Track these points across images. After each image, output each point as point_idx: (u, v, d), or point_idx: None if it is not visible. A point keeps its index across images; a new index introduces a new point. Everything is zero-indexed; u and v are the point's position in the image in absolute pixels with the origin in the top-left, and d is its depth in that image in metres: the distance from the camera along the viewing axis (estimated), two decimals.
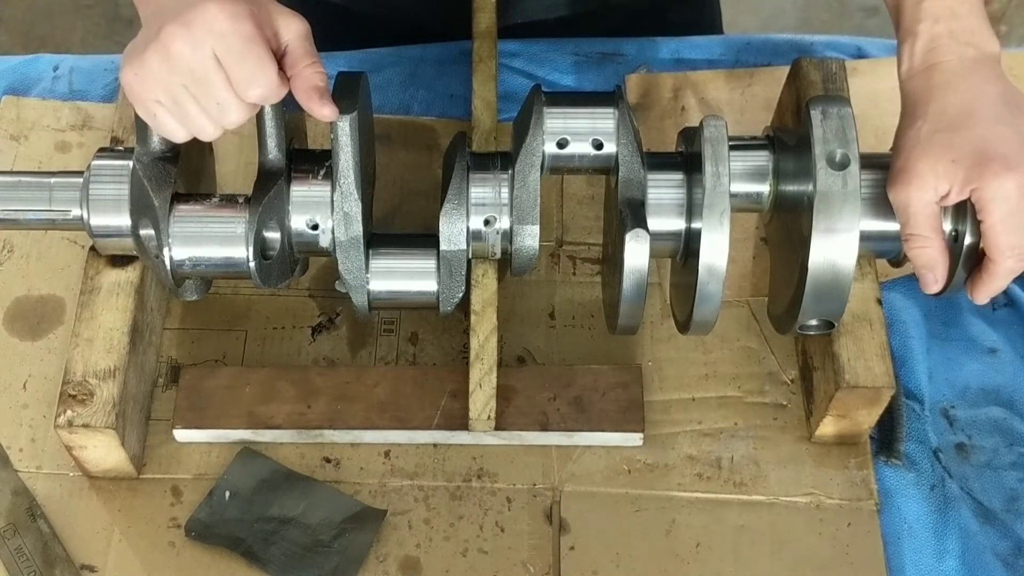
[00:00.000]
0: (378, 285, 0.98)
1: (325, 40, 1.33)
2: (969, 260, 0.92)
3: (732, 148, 0.93)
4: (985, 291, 0.91)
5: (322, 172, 0.96)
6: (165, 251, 0.94)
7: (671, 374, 1.08)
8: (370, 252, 0.98)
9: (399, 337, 1.10)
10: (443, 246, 0.97)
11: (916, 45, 0.90)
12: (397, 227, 1.15)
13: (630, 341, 1.09)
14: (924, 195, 0.88)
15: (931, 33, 0.90)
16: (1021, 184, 0.85)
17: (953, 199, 0.88)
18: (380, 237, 1.00)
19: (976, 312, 1.12)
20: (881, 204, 0.93)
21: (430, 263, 0.98)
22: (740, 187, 0.97)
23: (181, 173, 0.97)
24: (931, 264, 0.90)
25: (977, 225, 0.89)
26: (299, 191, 0.96)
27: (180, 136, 0.87)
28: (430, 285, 0.99)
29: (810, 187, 0.90)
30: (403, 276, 0.99)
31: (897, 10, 0.93)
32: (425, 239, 0.99)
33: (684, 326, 0.99)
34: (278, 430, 1.03)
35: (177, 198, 0.96)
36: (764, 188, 0.98)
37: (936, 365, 1.09)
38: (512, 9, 1.28)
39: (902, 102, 0.92)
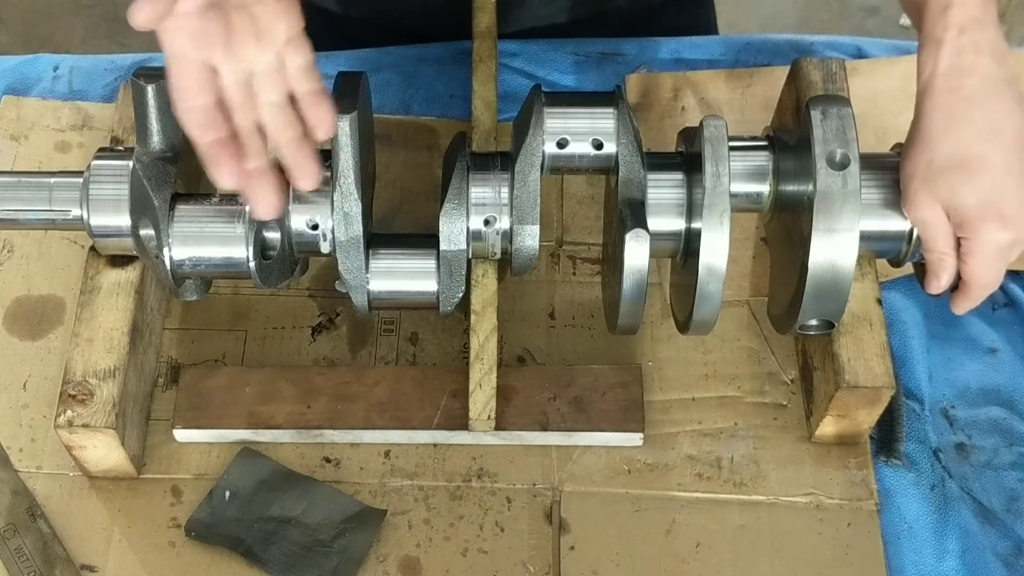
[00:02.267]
0: (378, 285, 0.98)
1: (323, 43, 1.33)
2: None
3: (732, 148, 0.93)
4: (964, 306, 0.95)
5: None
6: (165, 251, 0.94)
7: (671, 374, 1.08)
8: (370, 252, 0.98)
9: (399, 337, 1.10)
10: (443, 246, 0.97)
11: (941, 54, 0.89)
12: (397, 227, 1.15)
13: (630, 341, 1.09)
14: (940, 219, 0.90)
15: (957, 44, 0.88)
16: (1010, 241, 0.88)
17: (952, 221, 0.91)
18: (380, 237, 1.00)
19: (976, 312, 1.11)
20: (881, 204, 0.93)
21: (430, 263, 0.98)
22: (740, 187, 0.97)
23: (181, 173, 0.97)
24: (942, 272, 0.92)
25: None
26: (299, 191, 0.96)
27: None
28: (430, 285, 0.99)
29: (810, 187, 0.90)
30: (403, 276, 0.99)
31: (919, 13, 0.91)
32: (425, 239, 0.99)
33: (684, 326, 0.99)
34: (278, 430, 1.03)
35: (177, 198, 0.96)
36: (764, 188, 0.98)
37: (936, 365, 1.09)
38: (510, 17, 1.28)
39: (918, 114, 0.91)
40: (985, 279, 0.91)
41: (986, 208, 0.87)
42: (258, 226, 0.93)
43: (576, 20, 1.32)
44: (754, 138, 1.00)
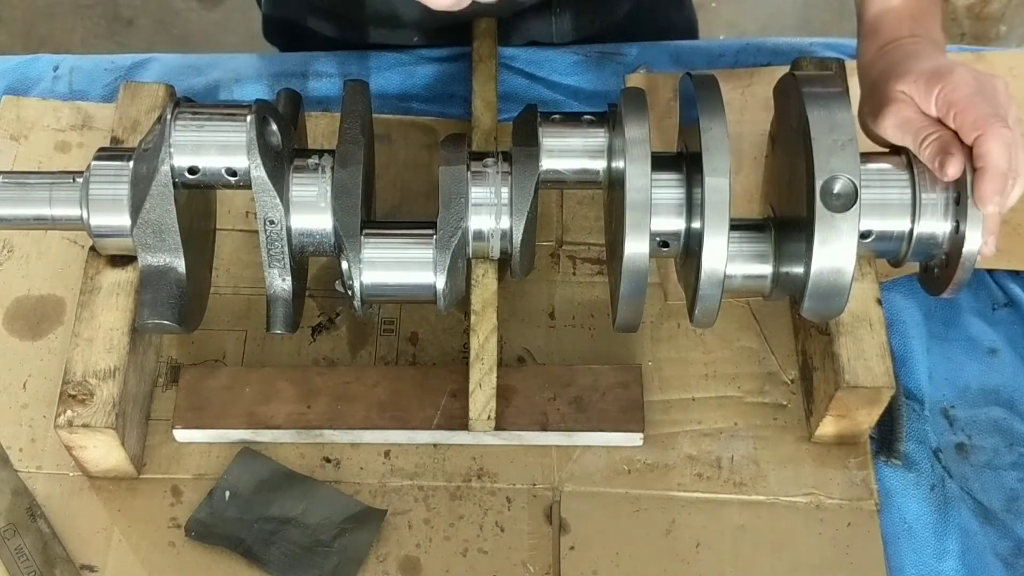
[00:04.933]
0: (374, 277, 0.98)
1: (323, 44, 1.33)
2: (969, 260, 0.92)
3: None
4: (991, 183, 0.89)
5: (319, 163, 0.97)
6: (356, 279, 0.96)
7: (671, 374, 1.08)
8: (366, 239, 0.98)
9: (399, 337, 1.10)
10: (442, 245, 0.97)
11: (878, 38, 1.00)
12: None
13: (630, 341, 1.09)
14: (908, 108, 0.93)
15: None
16: (973, 75, 0.91)
17: (923, 107, 0.93)
18: (379, 225, 1.00)
19: (976, 312, 1.12)
20: (881, 204, 0.93)
21: (428, 255, 0.98)
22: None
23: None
24: (947, 147, 0.91)
25: (978, 225, 0.90)
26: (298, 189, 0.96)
27: None
28: (428, 279, 0.98)
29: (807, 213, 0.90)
30: (400, 267, 0.99)
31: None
32: (424, 234, 0.99)
33: (689, 313, 0.99)
34: (278, 430, 1.03)
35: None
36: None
37: (936, 365, 1.09)
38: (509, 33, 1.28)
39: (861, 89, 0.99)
40: (984, 110, 0.90)
41: (937, 64, 0.94)
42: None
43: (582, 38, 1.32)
44: None
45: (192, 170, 0.95)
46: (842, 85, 0.95)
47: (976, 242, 0.91)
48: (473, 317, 1.01)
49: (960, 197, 0.91)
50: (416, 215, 1.15)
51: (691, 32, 1.49)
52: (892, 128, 0.94)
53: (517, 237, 0.97)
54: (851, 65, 1.16)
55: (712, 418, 1.06)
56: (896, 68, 0.95)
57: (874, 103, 0.96)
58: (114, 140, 1.09)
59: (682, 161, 0.97)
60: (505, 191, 0.97)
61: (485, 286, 1.01)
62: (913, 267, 1.00)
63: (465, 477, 1.04)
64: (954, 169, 0.89)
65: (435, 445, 1.05)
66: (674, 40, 1.31)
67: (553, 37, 1.30)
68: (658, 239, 0.95)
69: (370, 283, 0.97)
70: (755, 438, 1.05)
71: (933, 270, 0.97)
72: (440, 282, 0.97)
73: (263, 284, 0.97)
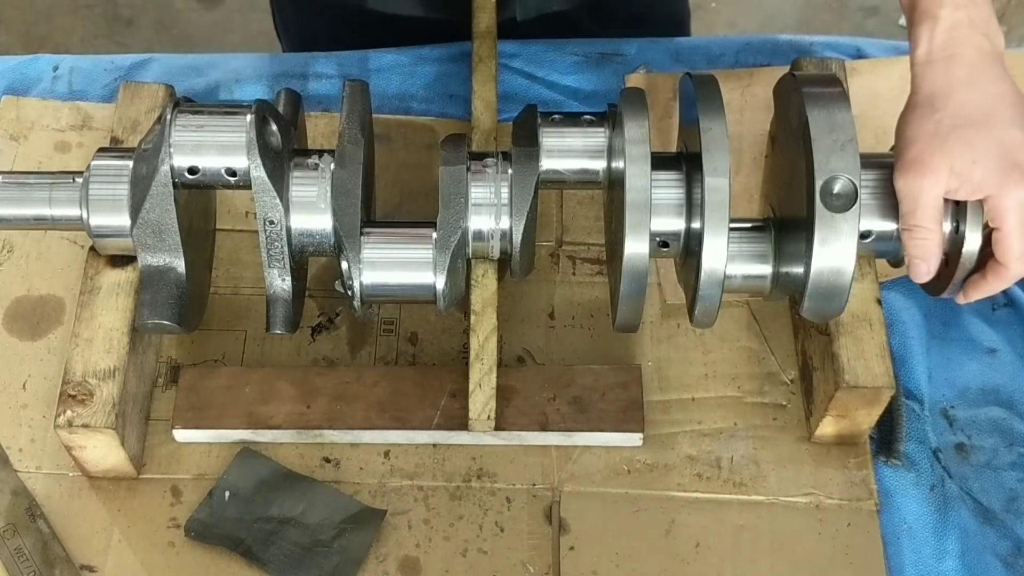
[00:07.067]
0: (374, 277, 0.98)
1: (323, 43, 1.34)
2: (968, 260, 0.92)
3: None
4: (982, 292, 0.92)
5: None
6: (356, 279, 0.96)
7: (671, 374, 1.08)
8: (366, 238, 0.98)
9: (399, 337, 1.10)
10: (442, 245, 0.97)
11: (936, 29, 0.90)
12: None
13: (630, 341, 1.09)
14: (936, 189, 0.89)
15: (952, 19, 0.90)
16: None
17: (961, 197, 0.89)
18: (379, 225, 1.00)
19: (976, 312, 1.12)
20: (881, 205, 0.93)
21: (428, 255, 0.98)
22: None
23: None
24: (927, 255, 0.91)
25: (978, 225, 0.90)
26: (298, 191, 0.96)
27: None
28: (428, 279, 0.98)
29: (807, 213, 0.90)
30: (400, 267, 0.99)
31: None
32: (424, 234, 0.99)
33: (689, 313, 0.99)
34: (278, 430, 1.03)
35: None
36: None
37: (936, 365, 1.09)
38: (509, 5, 1.27)
39: (915, 87, 0.92)
40: (1021, 247, 0.88)
41: (1005, 158, 0.87)
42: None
43: (573, 8, 1.32)
44: None
45: (192, 170, 0.96)
46: (842, 85, 0.95)
47: (976, 242, 0.91)
48: (473, 317, 1.01)
49: None
50: (416, 215, 1.15)
51: (680, 26, 1.46)
52: (903, 185, 0.90)
53: (517, 237, 0.97)
54: (851, 65, 1.16)
55: (712, 418, 1.06)
56: (956, 130, 0.88)
57: (909, 135, 0.91)
58: (114, 140, 1.09)
59: (682, 161, 0.97)
60: (505, 191, 0.97)
61: (485, 286, 1.01)
62: None
63: (465, 477, 1.04)
64: (923, 281, 0.93)
65: (435, 445, 1.05)
66: (660, 31, 1.31)
67: (516, 13, 1.29)
68: (658, 239, 0.95)
69: (370, 283, 0.97)
70: (755, 438, 1.05)
71: None
72: (440, 282, 0.97)
73: (263, 284, 0.97)
